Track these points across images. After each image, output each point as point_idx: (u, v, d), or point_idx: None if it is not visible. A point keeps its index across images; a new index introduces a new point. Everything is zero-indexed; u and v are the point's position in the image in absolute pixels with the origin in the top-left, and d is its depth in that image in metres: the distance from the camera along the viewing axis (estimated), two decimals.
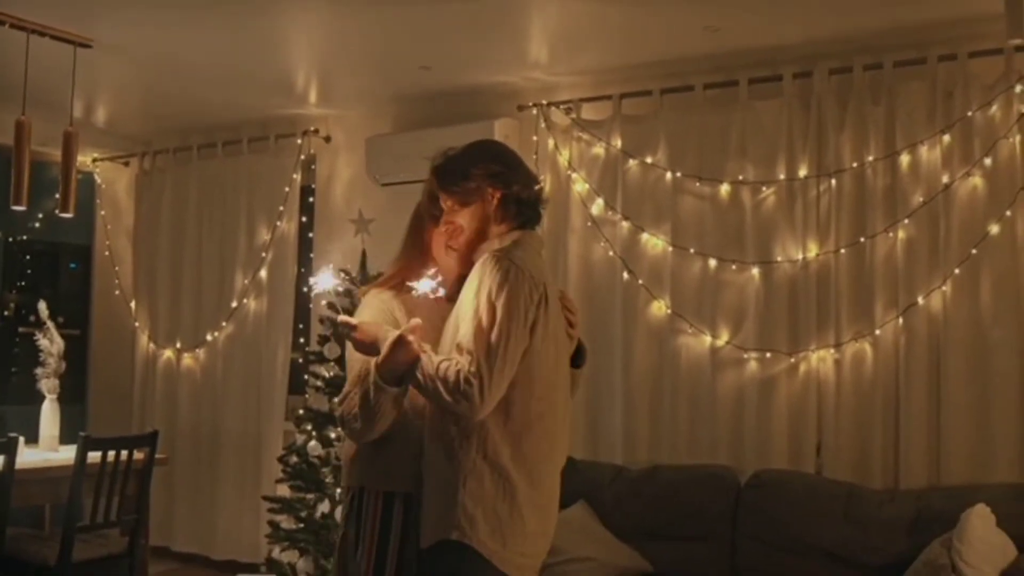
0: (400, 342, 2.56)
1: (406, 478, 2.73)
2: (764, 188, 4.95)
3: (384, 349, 2.58)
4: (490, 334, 2.50)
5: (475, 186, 2.72)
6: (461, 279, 2.74)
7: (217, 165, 6.88)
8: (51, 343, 5.31)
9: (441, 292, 2.75)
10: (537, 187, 2.83)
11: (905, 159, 4.65)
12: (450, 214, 2.77)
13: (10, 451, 4.46)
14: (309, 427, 5.35)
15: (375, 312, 2.83)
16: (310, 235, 6.60)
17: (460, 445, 2.57)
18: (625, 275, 5.26)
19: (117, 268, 7.37)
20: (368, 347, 2.64)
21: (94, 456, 4.67)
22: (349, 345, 2.83)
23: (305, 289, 6.57)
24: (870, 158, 4.71)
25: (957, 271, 4.50)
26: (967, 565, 3.58)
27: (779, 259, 4.90)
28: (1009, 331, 4.42)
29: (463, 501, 2.54)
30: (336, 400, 2.85)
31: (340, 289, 2.98)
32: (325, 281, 2.85)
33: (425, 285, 2.70)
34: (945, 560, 3.63)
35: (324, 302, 2.86)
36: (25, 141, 4.97)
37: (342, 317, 2.74)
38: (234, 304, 6.72)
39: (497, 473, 2.57)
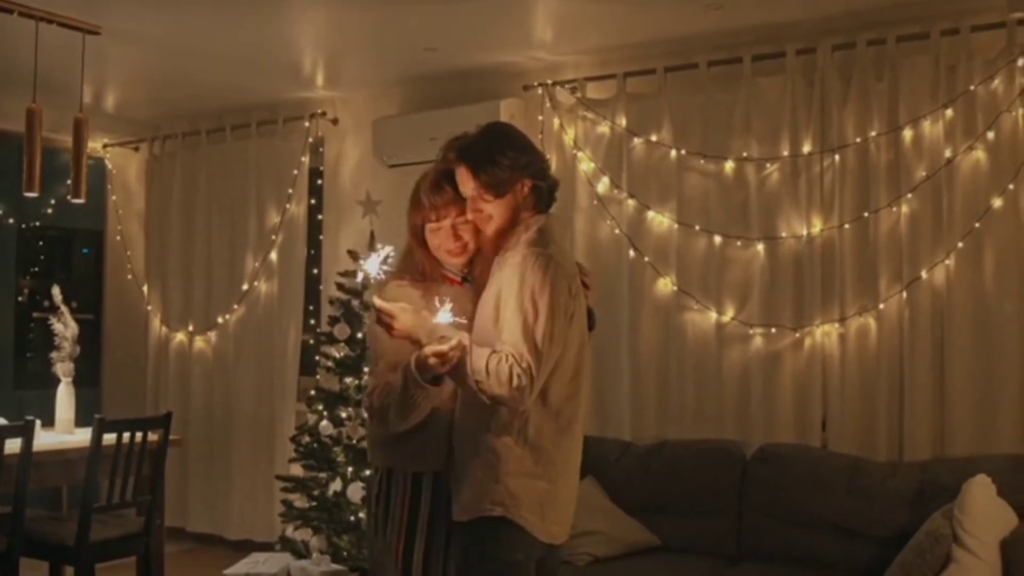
0: (447, 355, 2.61)
1: (434, 458, 2.84)
2: (768, 164, 4.98)
3: (431, 351, 2.61)
4: (536, 331, 2.64)
5: (507, 176, 2.78)
6: (488, 260, 2.84)
7: (226, 149, 6.93)
8: (65, 327, 5.37)
9: (462, 320, 2.74)
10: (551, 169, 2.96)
11: (908, 134, 4.67)
12: (479, 202, 2.81)
13: (27, 434, 4.52)
14: (321, 407, 5.42)
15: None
16: (319, 217, 6.66)
17: (502, 426, 2.71)
18: (631, 253, 5.30)
19: (129, 252, 7.43)
20: (406, 339, 2.68)
21: (109, 438, 4.72)
22: (374, 330, 2.85)
23: (316, 264, 6.62)
24: (873, 133, 4.73)
25: (960, 245, 4.53)
26: (968, 534, 3.62)
27: (784, 235, 4.93)
28: (1012, 304, 4.45)
29: (505, 479, 2.71)
30: (366, 392, 2.89)
31: (383, 274, 2.90)
32: (372, 266, 2.82)
33: (445, 318, 2.67)
34: (947, 530, 3.66)
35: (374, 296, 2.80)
36: (36, 128, 5.01)
37: (380, 303, 2.71)
38: (245, 287, 6.78)
39: (536, 452, 2.74)
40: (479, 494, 2.73)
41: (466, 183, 2.81)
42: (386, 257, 2.83)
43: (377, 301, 2.72)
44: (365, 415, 2.94)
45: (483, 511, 2.72)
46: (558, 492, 2.80)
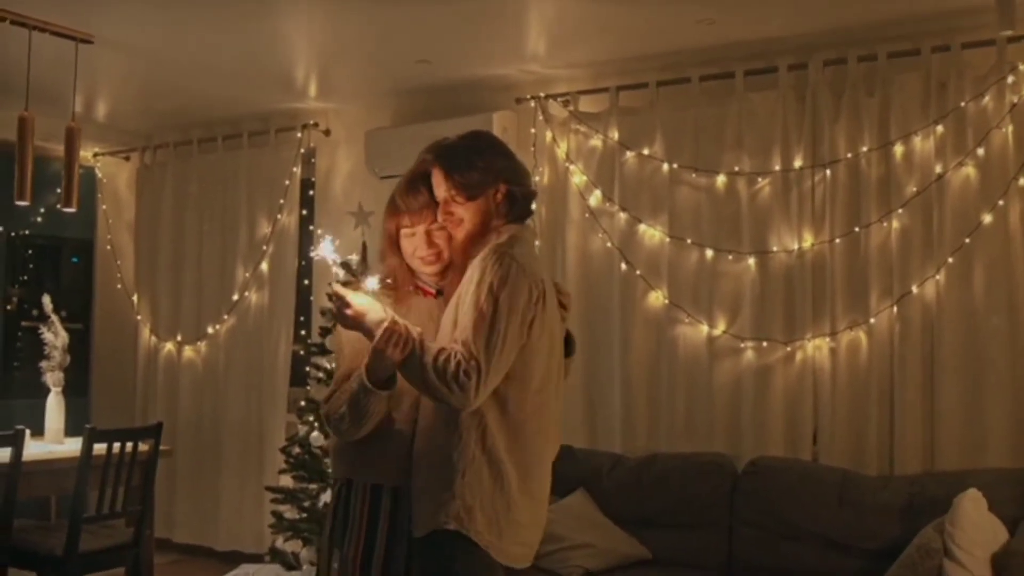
0: (393, 331, 2.52)
1: (394, 472, 2.73)
2: (760, 179, 5.00)
3: (378, 333, 2.53)
4: (490, 328, 2.52)
5: (481, 179, 2.70)
6: (460, 271, 2.75)
7: (217, 159, 6.92)
8: (55, 336, 5.35)
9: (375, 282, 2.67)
10: (533, 183, 2.87)
11: (899, 149, 4.70)
12: (451, 204, 2.72)
13: (17, 444, 4.51)
14: (311, 418, 5.39)
15: None
16: (311, 228, 6.65)
17: (459, 439, 2.60)
18: (623, 266, 5.31)
19: (119, 262, 7.42)
20: (358, 325, 2.59)
21: (99, 448, 4.71)
22: (338, 338, 2.82)
23: (307, 275, 6.62)
24: (864, 148, 4.76)
25: (950, 260, 4.56)
26: (959, 548, 3.63)
27: (775, 249, 4.95)
28: (1001, 319, 4.48)
29: (461, 492, 2.58)
30: (322, 399, 2.82)
31: (339, 260, 2.83)
32: (327, 250, 2.73)
33: (372, 283, 2.63)
34: (938, 544, 3.68)
35: (334, 281, 2.76)
36: (28, 137, 5.00)
37: (337, 288, 2.64)
38: (235, 297, 6.77)
39: (495, 466, 2.61)
40: (435, 507, 2.61)
41: (440, 184, 2.73)
42: (334, 240, 2.76)
43: (335, 285, 2.65)
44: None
45: (438, 524, 2.59)
46: (517, 510, 2.65)
